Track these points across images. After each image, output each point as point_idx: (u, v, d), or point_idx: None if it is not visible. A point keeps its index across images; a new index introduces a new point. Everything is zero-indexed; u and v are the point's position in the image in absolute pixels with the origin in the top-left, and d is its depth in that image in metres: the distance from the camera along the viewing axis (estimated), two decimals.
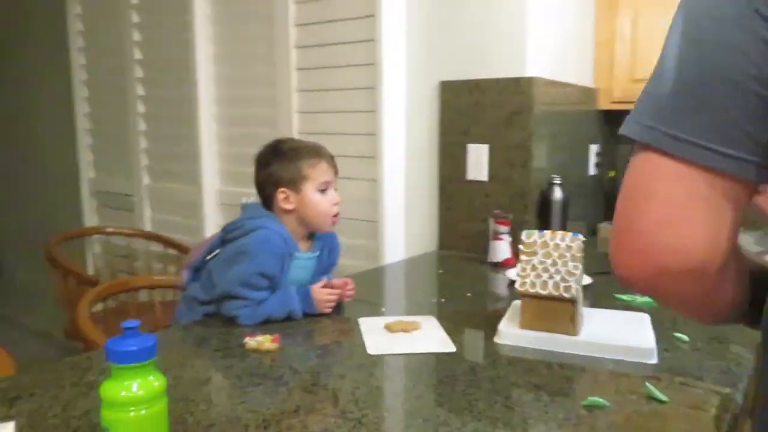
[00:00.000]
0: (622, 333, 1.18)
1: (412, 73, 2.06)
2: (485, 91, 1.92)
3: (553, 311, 1.17)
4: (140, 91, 2.82)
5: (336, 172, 1.37)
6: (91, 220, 3.19)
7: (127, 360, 0.67)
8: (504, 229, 1.82)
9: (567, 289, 1.16)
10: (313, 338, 1.21)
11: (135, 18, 2.79)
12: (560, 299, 1.16)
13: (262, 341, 1.13)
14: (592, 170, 2.36)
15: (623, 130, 0.53)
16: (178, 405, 0.90)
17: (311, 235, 1.39)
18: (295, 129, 2.29)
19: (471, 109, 1.95)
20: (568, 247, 1.20)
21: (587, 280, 1.59)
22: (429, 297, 1.54)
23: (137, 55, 2.80)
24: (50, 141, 3.46)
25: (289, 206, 1.33)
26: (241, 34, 2.45)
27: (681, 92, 0.49)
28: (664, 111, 0.50)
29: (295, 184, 1.32)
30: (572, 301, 1.16)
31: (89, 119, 3.14)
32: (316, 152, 1.34)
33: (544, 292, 1.17)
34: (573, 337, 1.16)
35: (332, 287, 1.35)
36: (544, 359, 1.10)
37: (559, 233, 1.22)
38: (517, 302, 1.24)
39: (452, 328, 1.27)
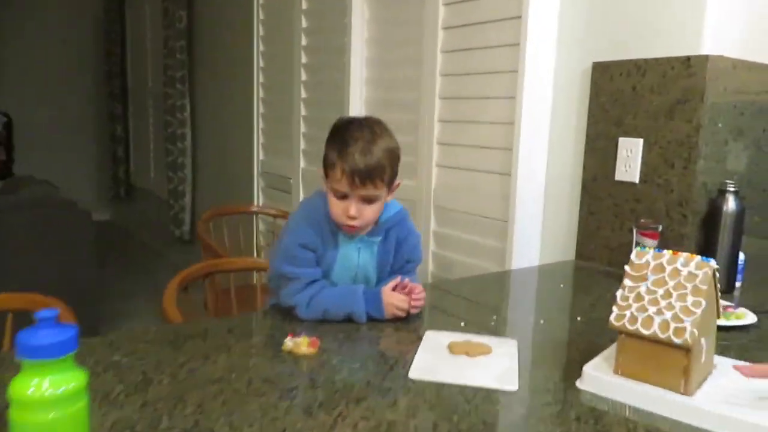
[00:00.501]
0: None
1: (563, 53, 1.78)
2: (645, 74, 1.57)
3: (659, 358, 0.88)
4: (304, 75, 2.89)
5: (362, 186, 1.14)
6: (259, 199, 3.37)
7: (38, 354, 0.60)
8: (650, 242, 1.48)
9: (679, 332, 0.86)
10: (360, 347, 1.07)
11: (304, 5, 2.85)
12: (668, 344, 0.86)
13: (300, 343, 1.02)
14: None
15: None
16: (168, 403, 0.82)
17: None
18: (436, 115, 2.14)
19: (627, 95, 1.62)
20: (691, 276, 0.89)
21: (749, 318, 1.21)
22: (528, 315, 1.30)
23: (303, 41, 2.86)
24: (238, 123, 3.72)
25: (324, 188, 1.20)
26: (392, 17, 2.36)
27: None
28: None
29: (324, 170, 1.19)
30: (686, 349, 0.86)
31: (264, 104, 3.32)
32: (342, 154, 1.13)
33: (646, 332, 0.88)
34: (683, 397, 0.86)
35: (405, 290, 1.18)
36: (631, 419, 0.83)
37: (683, 255, 0.91)
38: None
39: (533, 360, 1.04)
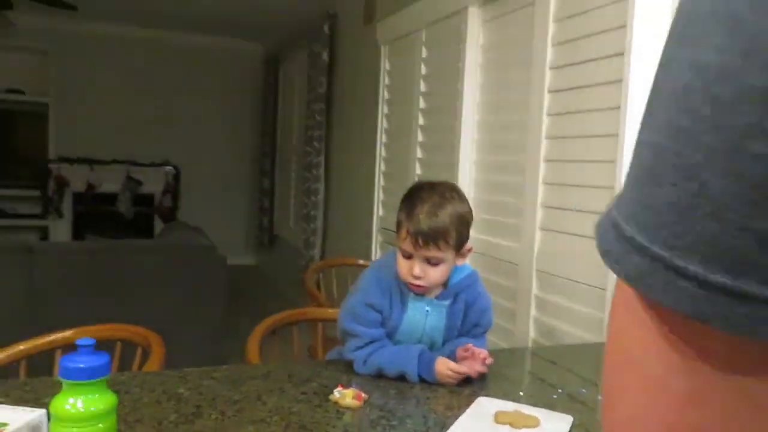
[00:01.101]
0: None
1: None
2: None
3: None
4: (420, 137, 3.00)
5: (425, 247, 1.16)
6: (376, 254, 3.49)
7: (75, 376, 0.69)
8: None
9: None
10: (407, 406, 1.07)
11: (423, 70, 2.99)
12: None
13: (345, 395, 1.05)
14: None
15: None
16: None
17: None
18: (540, 177, 2.11)
19: None
20: None
21: None
22: (597, 392, 1.22)
23: (421, 103, 2.99)
24: (363, 180, 3.92)
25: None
26: (501, 82, 2.40)
27: None
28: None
29: (396, 229, 1.22)
30: None
31: (384, 163, 3.47)
32: (410, 215, 1.17)
33: None
34: None
35: (466, 354, 1.17)
36: None
37: None
38: None
39: None
